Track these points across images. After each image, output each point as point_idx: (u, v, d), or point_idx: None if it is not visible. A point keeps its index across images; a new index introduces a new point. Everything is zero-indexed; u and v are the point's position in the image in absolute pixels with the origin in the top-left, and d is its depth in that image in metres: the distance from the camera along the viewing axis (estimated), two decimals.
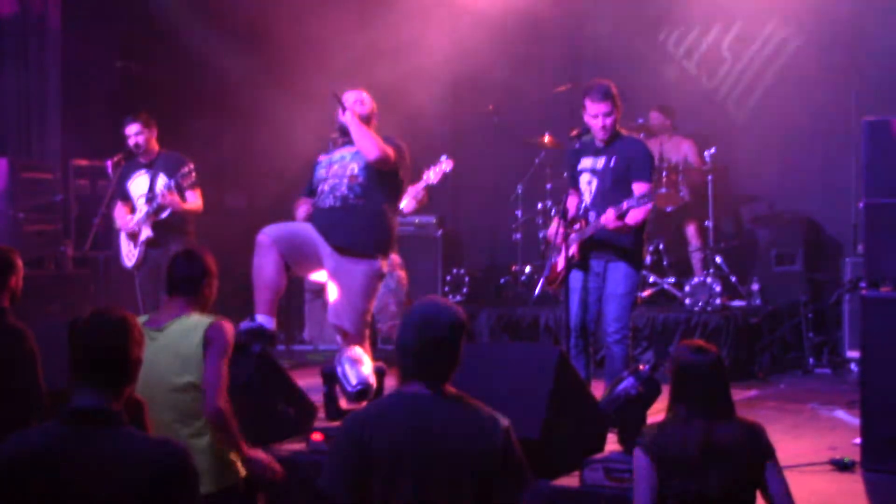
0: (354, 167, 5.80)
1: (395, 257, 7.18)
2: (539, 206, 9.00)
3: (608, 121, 5.72)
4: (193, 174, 6.99)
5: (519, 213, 9.16)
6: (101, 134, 8.45)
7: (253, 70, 9.30)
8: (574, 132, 6.02)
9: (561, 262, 5.78)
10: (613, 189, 5.69)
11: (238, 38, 9.37)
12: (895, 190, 5.07)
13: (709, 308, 7.81)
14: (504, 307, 8.62)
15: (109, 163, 7.46)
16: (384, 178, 5.77)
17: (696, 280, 8.00)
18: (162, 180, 7.15)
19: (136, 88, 8.93)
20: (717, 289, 7.89)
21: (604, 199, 5.71)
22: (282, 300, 10.04)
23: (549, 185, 8.99)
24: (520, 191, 9.12)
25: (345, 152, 5.91)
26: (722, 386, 3.43)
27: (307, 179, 6.87)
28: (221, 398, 3.71)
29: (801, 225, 8.47)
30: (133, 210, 7.33)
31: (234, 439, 3.76)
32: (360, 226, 5.69)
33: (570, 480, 4.61)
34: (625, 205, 5.49)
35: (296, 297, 9.67)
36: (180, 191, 7.09)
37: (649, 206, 5.53)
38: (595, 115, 5.73)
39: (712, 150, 8.28)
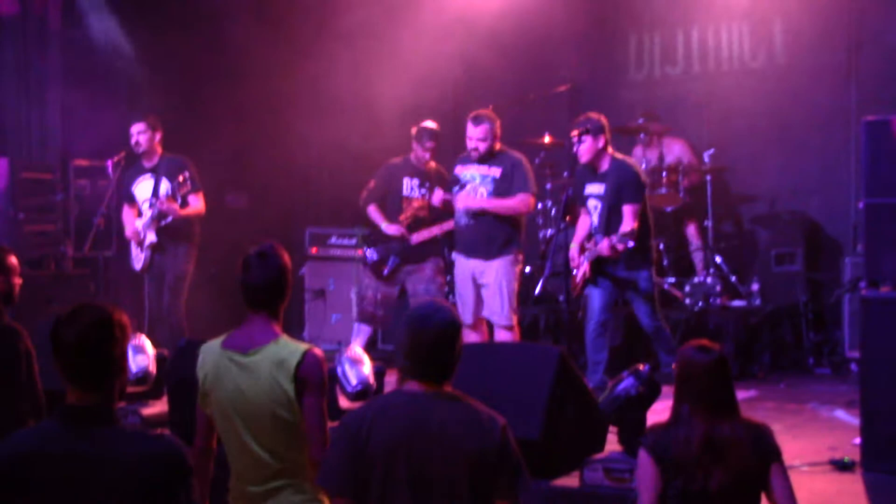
0: (483, 192, 6.63)
1: (440, 262, 7.29)
2: (539, 206, 8.99)
3: (580, 147, 6.51)
4: (189, 183, 6.97)
5: None
6: (101, 134, 8.45)
7: (254, 71, 9.29)
8: (574, 132, 6.49)
9: (579, 276, 6.68)
10: (614, 213, 6.49)
11: (239, 39, 9.36)
12: (895, 190, 5.07)
13: (709, 308, 7.80)
14: None
15: (110, 163, 7.47)
16: (508, 195, 6.58)
17: (696, 280, 7.99)
18: (165, 185, 7.16)
19: (137, 88, 8.93)
20: (717, 289, 7.88)
21: (608, 221, 6.52)
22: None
23: (548, 185, 8.98)
24: None
25: (475, 172, 6.67)
26: (724, 385, 3.42)
27: (378, 185, 7.37)
28: (328, 444, 3.40)
29: (801, 225, 8.45)
30: (140, 214, 7.35)
31: None
32: (491, 237, 6.61)
33: (570, 480, 4.61)
34: (605, 242, 6.35)
35: (296, 297, 9.68)
36: (183, 198, 7.09)
37: (630, 244, 6.27)
38: (573, 144, 6.58)
39: (711, 150, 8.28)
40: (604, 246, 6.39)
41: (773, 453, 3.36)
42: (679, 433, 3.34)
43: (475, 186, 6.63)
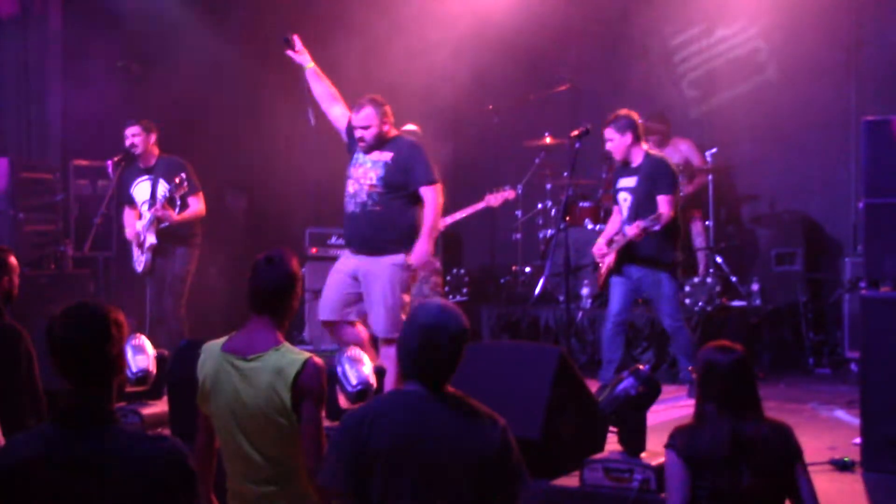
0: (373, 176, 5.98)
1: (436, 262, 7.23)
2: (539, 206, 9.00)
3: (608, 145, 6.64)
4: (186, 184, 7.00)
5: (519, 213, 9.15)
6: (101, 134, 8.45)
7: (253, 71, 9.29)
8: (574, 132, 6.52)
9: (605, 268, 6.78)
10: (644, 205, 6.48)
11: (238, 39, 9.36)
12: (895, 190, 5.06)
13: (709, 308, 7.80)
14: (504, 307, 8.62)
15: (109, 163, 7.47)
16: (402, 186, 5.97)
17: (696, 280, 7.99)
18: (163, 186, 7.18)
19: (136, 89, 8.92)
20: (718, 289, 7.88)
21: (637, 214, 6.52)
22: None
23: (548, 186, 8.99)
24: (520, 191, 9.12)
25: (367, 159, 6.03)
26: (747, 384, 3.45)
27: None
28: (323, 452, 3.39)
29: (801, 225, 8.46)
30: (141, 216, 7.36)
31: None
32: (378, 228, 5.93)
33: (570, 480, 4.61)
34: (635, 224, 6.36)
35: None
36: (182, 199, 7.11)
37: (657, 226, 6.32)
38: (605, 141, 6.68)
39: (713, 150, 8.28)
40: (633, 227, 6.37)
41: (797, 453, 3.39)
42: (706, 433, 3.37)
43: (367, 170, 5.99)
